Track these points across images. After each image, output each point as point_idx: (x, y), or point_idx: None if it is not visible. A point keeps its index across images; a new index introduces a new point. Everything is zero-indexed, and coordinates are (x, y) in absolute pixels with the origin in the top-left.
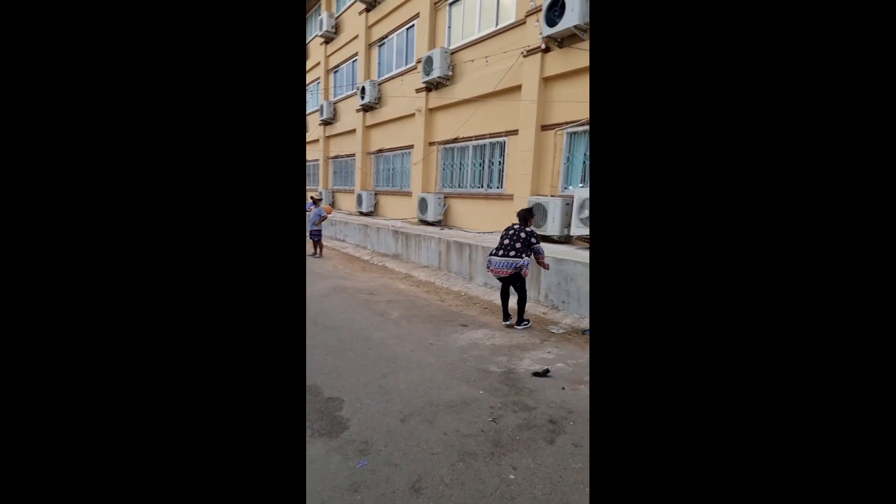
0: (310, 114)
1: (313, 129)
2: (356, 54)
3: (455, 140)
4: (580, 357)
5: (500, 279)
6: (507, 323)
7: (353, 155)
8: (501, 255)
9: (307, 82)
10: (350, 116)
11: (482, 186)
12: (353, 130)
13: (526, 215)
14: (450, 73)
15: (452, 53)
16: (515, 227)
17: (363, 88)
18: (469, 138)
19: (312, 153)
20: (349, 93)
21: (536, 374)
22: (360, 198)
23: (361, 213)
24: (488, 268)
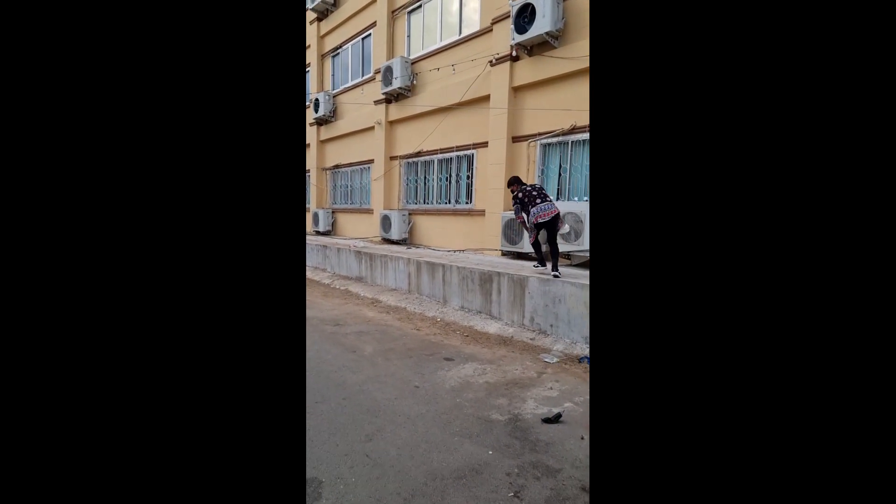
0: None
1: None
2: (308, 65)
3: (419, 154)
4: (586, 392)
5: (542, 224)
6: (541, 268)
7: (307, 171)
8: (542, 202)
9: None
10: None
11: (450, 202)
12: (307, 145)
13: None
14: (411, 84)
15: (413, 63)
16: (525, 188)
17: (317, 101)
18: (434, 151)
19: None
20: None
21: (547, 420)
22: (316, 216)
23: (318, 233)
24: (534, 217)
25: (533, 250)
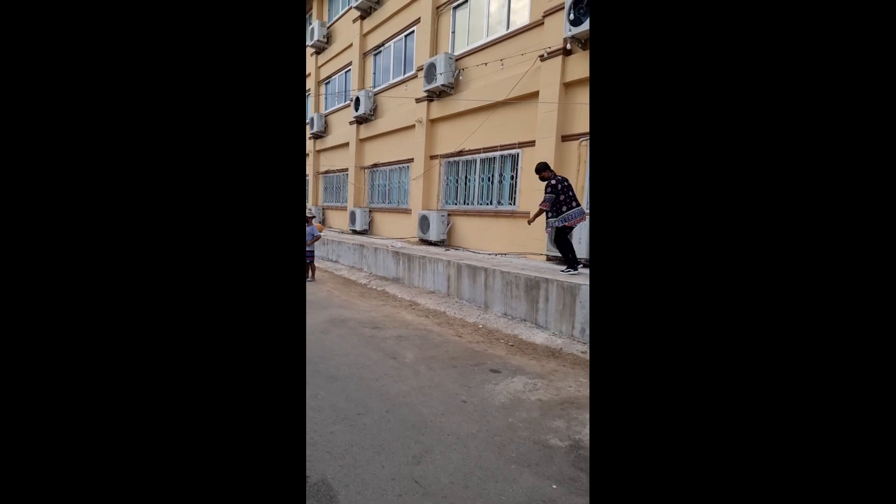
0: None
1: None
2: (349, 64)
3: (460, 153)
4: None
5: (567, 228)
6: (573, 271)
7: (345, 170)
8: (574, 206)
9: None
10: (343, 129)
11: (491, 203)
12: (346, 144)
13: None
14: (454, 81)
15: (457, 60)
16: (559, 178)
17: (357, 99)
18: (476, 151)
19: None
20: (342, 104)
21: None
22: (353, 215)
23: (354, 232)
24: (565, 222)
25: (559, 251)
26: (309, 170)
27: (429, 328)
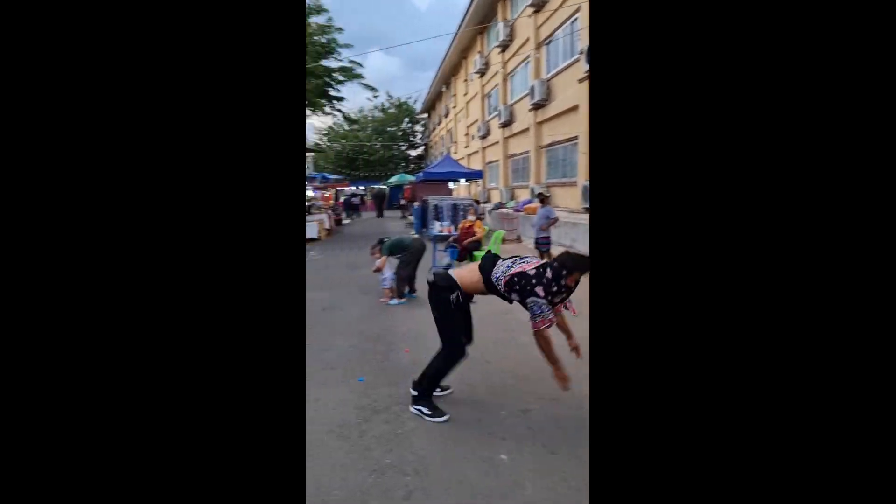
0: (517, 101)
1: (522, 117)
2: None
3: None
4: None
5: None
6: None
7: (574, 139)
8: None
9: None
10: (571, 91)
11: None
12: (576, 107)
13: None
14: None
15: None
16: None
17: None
18: None
19: (524, 145)
20: (566, 62)
21: None
22: (586, 190)
23: (587, 210)
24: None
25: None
26: (531, 146)
27: None
